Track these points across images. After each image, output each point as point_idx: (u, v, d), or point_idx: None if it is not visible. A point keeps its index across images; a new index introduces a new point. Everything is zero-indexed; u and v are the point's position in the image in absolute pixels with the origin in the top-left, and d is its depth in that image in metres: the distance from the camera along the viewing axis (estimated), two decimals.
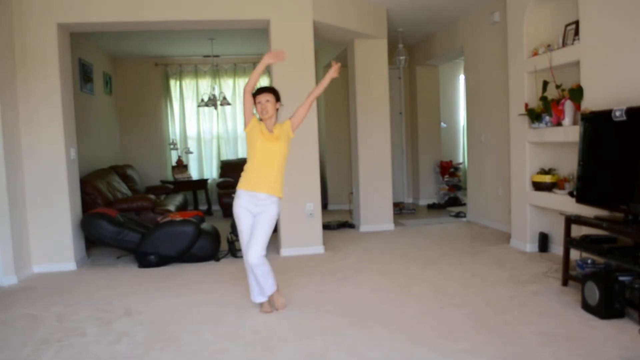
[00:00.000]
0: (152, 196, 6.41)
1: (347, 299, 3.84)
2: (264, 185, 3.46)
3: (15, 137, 4.79)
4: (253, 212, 3.50)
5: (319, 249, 5.44)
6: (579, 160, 3.95)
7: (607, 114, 3.58)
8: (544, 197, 4.75)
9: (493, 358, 2.74)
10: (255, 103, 3.48)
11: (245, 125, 3.51)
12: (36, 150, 4.93)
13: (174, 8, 5.03)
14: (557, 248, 4.83)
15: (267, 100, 3.48)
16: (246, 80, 8.92)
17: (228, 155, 9.14)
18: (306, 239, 5.39)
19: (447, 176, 8.39)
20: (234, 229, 5.31)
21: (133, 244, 5.05)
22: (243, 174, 3.53)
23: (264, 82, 8.81)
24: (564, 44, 4.47)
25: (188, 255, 5.08)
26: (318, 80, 8.14)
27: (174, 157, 8.81)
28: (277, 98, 3.54)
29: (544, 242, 4.99)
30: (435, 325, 3.23)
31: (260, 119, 3.55)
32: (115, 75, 8.55)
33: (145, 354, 2.97)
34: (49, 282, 4.62)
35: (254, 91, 3.49)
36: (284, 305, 3.64)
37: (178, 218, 5.19)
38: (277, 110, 3.54)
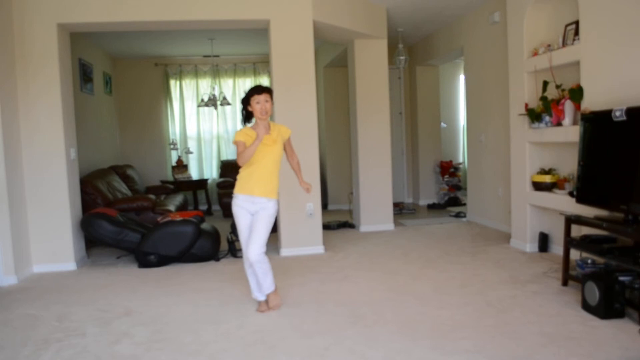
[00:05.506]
0: (152, 196, 6.41)
1: (347, 298, 3.84)
2: (258, 188, 3.49)
3: (15, 137, 4.79)
4: (250, 210, 3.52)
5: (319, 249, 5.44)
6: (579, 160, 3.94)
7: (607, 114, 3.58)
8: (544, 197, 4.75)
9: (493, 358, 2.74)
10: (252, 103, 3.48)
11: (241, 142, 3.49)
12: (36, 150, 4.93)
13: (174, 8, 5.03)
14: (557, 248, 4.83)
15: (267, 101, 3.49)
16: (246, 80, 8.95)
17: (228, 155, 9.13)
18: (306, 239, 5.39)
19: (447, 176, 8.39)
20: (234, 229, 5.31)
21: (133, 244, 5.05)
22: (239, 177, 3.56)
23: (264, 82, 8.81)
24: (564, 44, 4.47)
25: (188, 255, 5.07)
26: (318, 80, 8.18)
27: (174, 157, 8.82)
28: (272, 98, 3.57)
29: (544, 242, 4.99)
30: (435, 325, 3.23)
31: (246, 121, 3.60)
32: (115, 75, 8.55)
33: (145, 354, 2.97)
34: (49, 282, 4.62)
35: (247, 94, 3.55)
36: (278, 306, 3.63)
37: (178, 218, 5.19)
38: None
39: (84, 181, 5.74)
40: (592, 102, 4.05)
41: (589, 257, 3.83)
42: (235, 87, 8.96)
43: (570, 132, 4.32)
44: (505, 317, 3.33)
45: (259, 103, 3.46)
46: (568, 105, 4.34)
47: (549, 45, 4.66)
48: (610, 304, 3.20)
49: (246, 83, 8.96)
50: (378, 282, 4.26)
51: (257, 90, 3.49)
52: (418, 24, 7.03)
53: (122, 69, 8.67)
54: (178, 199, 7.33)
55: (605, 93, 3.94)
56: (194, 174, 9.01)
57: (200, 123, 9.00)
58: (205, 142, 9.07)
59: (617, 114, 3.47)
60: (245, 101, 3.53)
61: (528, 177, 4.97)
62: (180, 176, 8.54)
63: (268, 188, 3.50)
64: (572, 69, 4.41)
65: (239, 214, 3.53)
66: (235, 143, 3.48)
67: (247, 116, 3.58)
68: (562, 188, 4.55)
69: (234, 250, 5.34)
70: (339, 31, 5.91)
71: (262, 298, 3.60)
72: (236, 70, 8.96)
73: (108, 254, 5.63)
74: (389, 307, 3.60)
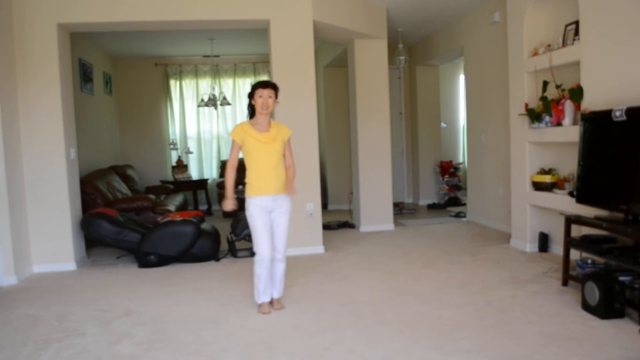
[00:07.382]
0: (152, 196, 6.41)
1: (347, 298, 3.84)
2: (272, 187, 3.50)
3: (15, 137, 4.79)
4: (268, 209, 3.53)
5: (319, 249, 5.44)
6: (579, 160, 3.94)
7: (607, 114, 3.58)
8: (544, 197, 4.75)
9: (493, 358, 2.74)
10: (255, 96, 3.50)
11: (236, 143, 3.53)
12: (36, 150, 4.93)
13: (174, 8, 5.03)
14: (557, 248, 4.83)
15: (270, 97, 3.50)
16: (246, 80, 8.94)
17: (228, 155, 9.11)
18: (306, 239, 5.39)
19: (447, 176, 8.39)
20: (234, 229, 5.31)
21: (133, 244, 5.05)
22: (249, 181, 3.54)
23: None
24: (564, 44, 4.47)
25: (188, 255, 5.07)
26: (318, 80, 8.17)
27: (174, 157, 8.82)
28: (277, 95, 3.58)
29: (544, 242, 4.99)
30: (435, 325, 3.23)
31: (252, 116, 3.58)
32: (115, 75, 8.55)
33: (145, 354, 2.97)
34: (49, 282, 4.62)
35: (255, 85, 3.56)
36: (281, 308, 3.66)
37: (178, 218, 5.19)
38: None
39: (84, 181, 5.73)
40: (592, 102, 4.05)
41: (589, 257, 3.83)
42: (235, 87, 8.96)
43: (570, 132, 4.32)
44: (505, 317, 3.33)
45: (261, 97, 3.48)
46: (568, 105, 4.34)
47: (549, 45, 4.66)
48: (610, 304, 3.20)
49: (246, 83, 8.95)
50: (378, 282, 4.26)
51: (262, 84, 3.52)
52: (418, 24, 7.03)
53: (122, 69, 8.67)
54: (178, 199, 7.32)
55: (605, 93, 3.94)
56: (194, 174, 9.02)
57: (200, 123, 8.99)
58: (205, 142, 9.06)
59: (617, 114, 3.47)
60: (251, 95, 3.55)
61: (528, 177, 4.97)
62: (180, 176, 8.54)
63: (280, 184, 3.53)
64: (572, 69, 4.41)
65: (257, 214, 3.49)
66: (232, 137, 3.57)
67: (252, 110, 3.57)
68: (562, 188, 4.55)
69: (234, 250, 5.34)
70: (339, 31, 5.91)
71: (267, 299, 3.61)
72: (236, 70, 8.96)
73: (108, 254, 5.63)
74: (389, 307, 3.60)
